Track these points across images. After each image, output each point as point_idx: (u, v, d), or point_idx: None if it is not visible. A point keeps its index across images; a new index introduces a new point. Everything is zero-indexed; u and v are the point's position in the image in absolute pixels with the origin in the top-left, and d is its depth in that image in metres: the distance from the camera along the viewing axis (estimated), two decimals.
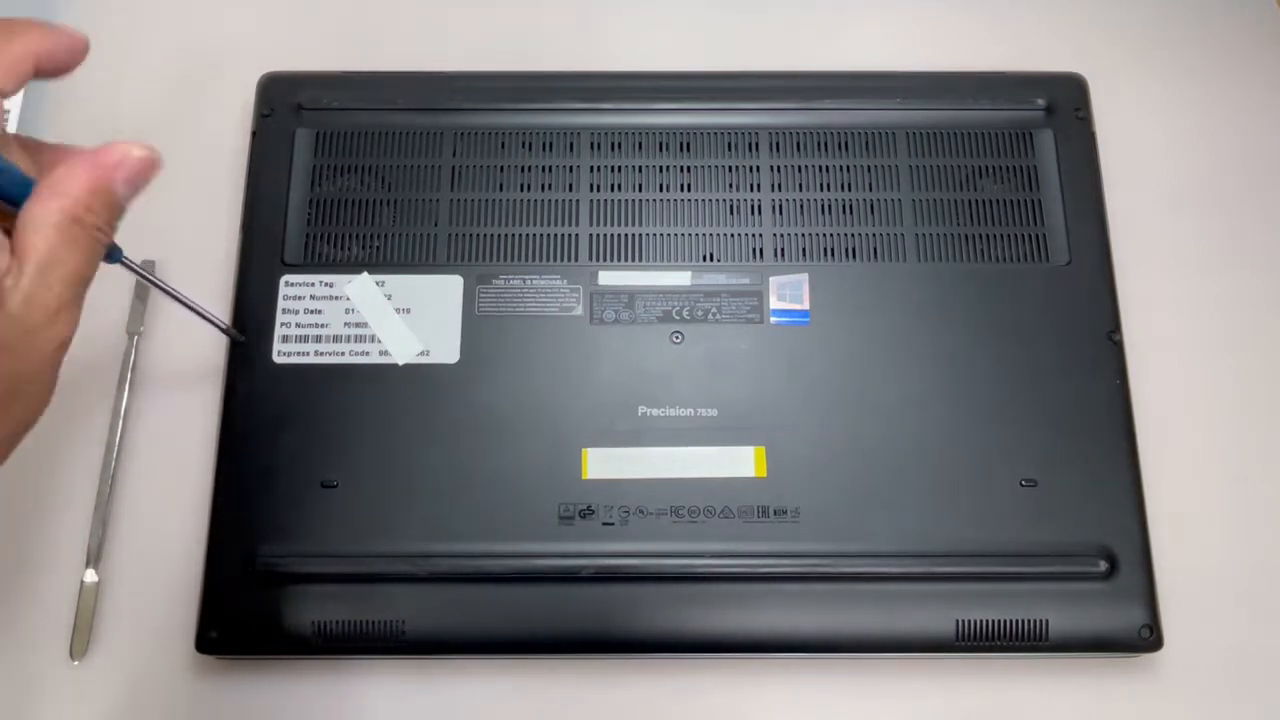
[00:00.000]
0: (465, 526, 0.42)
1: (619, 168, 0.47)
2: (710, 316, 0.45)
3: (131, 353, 0.46)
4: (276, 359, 0.44)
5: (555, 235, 0.46)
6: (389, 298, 0.45)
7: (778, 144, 0.47)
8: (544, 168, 0.47)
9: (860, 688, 0.42)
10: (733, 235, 0.46)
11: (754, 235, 0.46)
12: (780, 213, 0.46)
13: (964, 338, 0.44)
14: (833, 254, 0.46)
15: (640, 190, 0.47)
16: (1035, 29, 0.53)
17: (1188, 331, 0.47)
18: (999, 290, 0.45)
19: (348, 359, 0.44)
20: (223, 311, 0.45)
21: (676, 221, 0.46)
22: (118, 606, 0.43)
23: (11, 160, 0.31)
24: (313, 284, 0.45)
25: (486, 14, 0.53)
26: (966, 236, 0.46)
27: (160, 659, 0.42)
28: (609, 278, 0.45)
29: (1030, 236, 0.46)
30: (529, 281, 0.45)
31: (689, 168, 0.47)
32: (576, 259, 0.46)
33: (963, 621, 0.41)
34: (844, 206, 0.47)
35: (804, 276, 0.45)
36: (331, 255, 0.46)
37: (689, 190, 0.47)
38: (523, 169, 0.47)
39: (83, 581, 0.43)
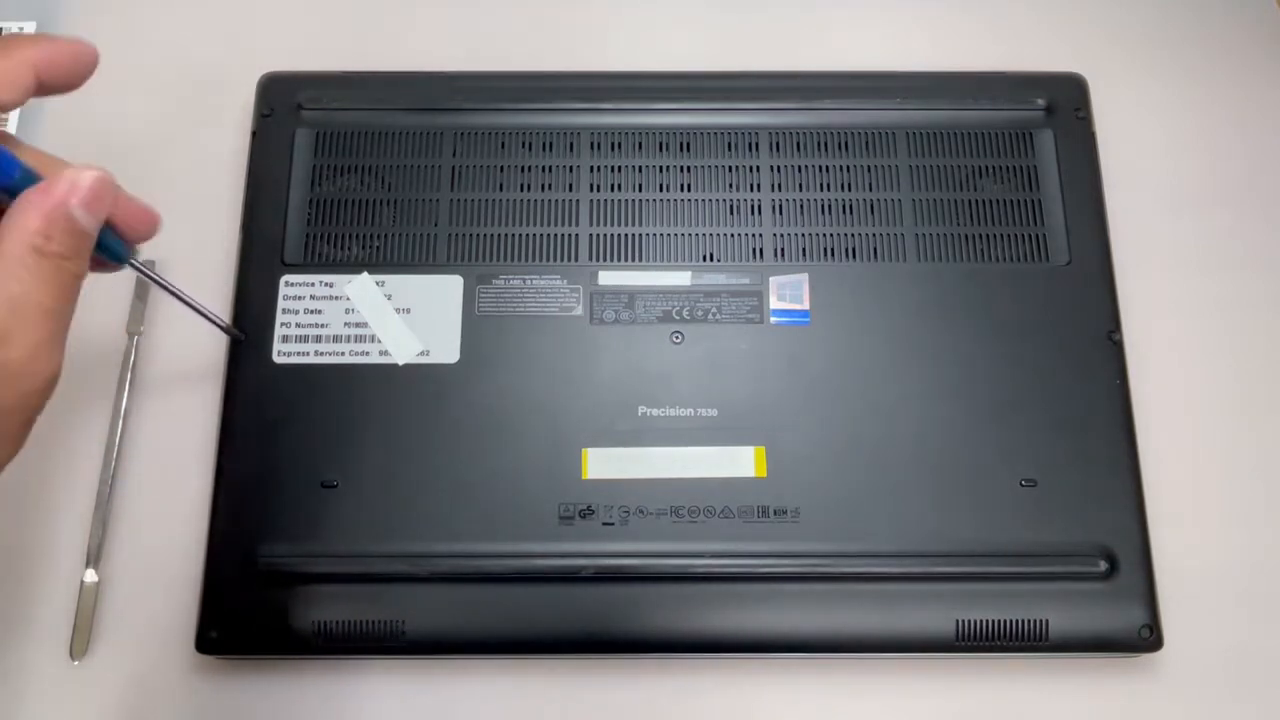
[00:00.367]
0: (465, 526, 0.42)
1: (619, 168, 0.47)
2: (710, 316, 0.45)
3: (131, 353, 0.46)
4: (276, 359, 0.44)
5: (555, 235, 0.46)
6: (389, 298, 0.45)
7: (778, 144, 0.47)
8: (544, 168, 0.47)
9: (860, 688, 0.42)
10: (733, 235, 0.46)
11: (754, 235, 0.46)
12: (780, 213, 0.46)
13: (964, 338, 0.44)
14: (833, 254, 0.46)
15: (640, 190, 0.47)
16: (1035, 29, 0.53)
17: (1188, 331, 0.47)
18: (999, 290, 0.45)
19: (348, 359, 0.44)
20: (223, 311, 0.45)
21: (676, 221, 0.46)
22: (118, 606, 0.43)
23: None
24: (313, 284, 0.45)
25: (486, 14, 0.53)
26: (966, 236, 0.46)
27: (160, 659, 0.42)
28: (609, 278, 0.45)
29: (1030, 236, 0.46)
30: (529, 281, 0.45)
31: (689, 168, 0.47)
32: (576, 259, 0.46)
33: (963, 621, 0.41)
34: (844, 206, 0.47)
35: (804, 276, 0.45)
36: (331, 255, 0.46)
37: (689, 190, 0.47)
38: (523, 169, 0.47)
39: (83, 581, 0.43)
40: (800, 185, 0.47)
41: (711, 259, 0.46)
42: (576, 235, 0.46)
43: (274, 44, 0.52)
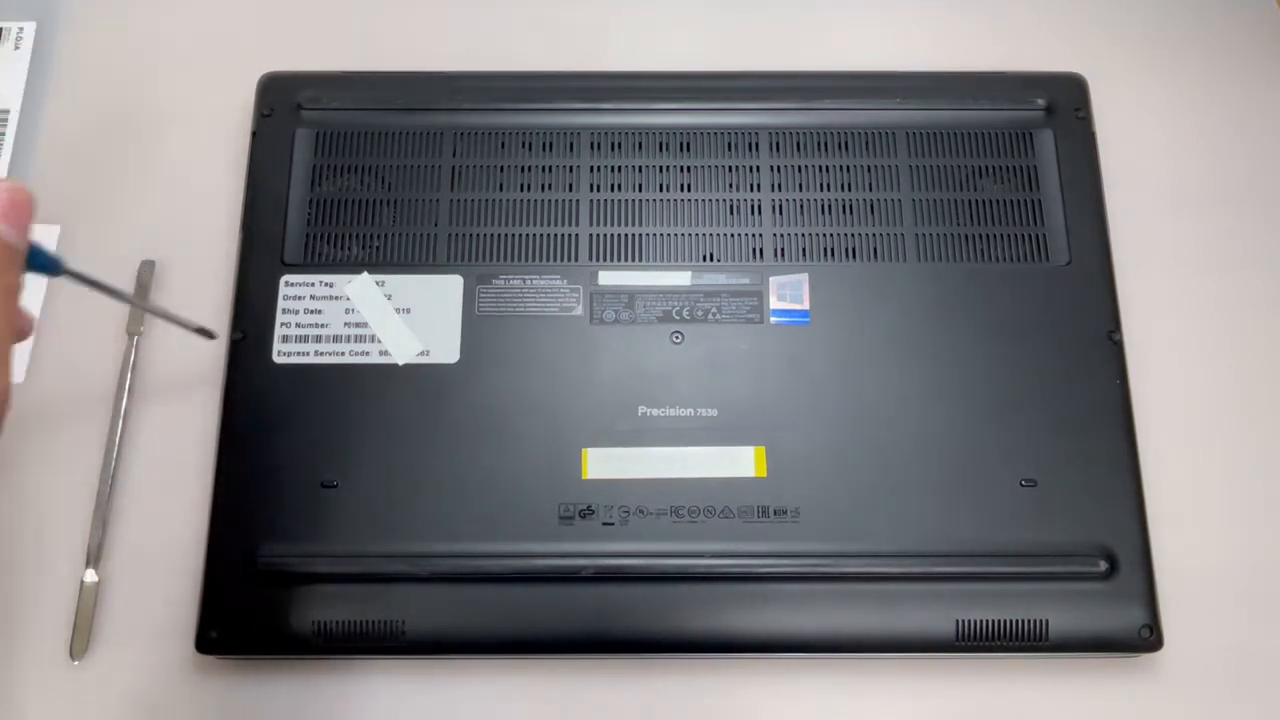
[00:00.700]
0: (465, 526, 0.42)
1: (619, 168, 0.47)
2: (710, 316, 0.45)
3: (131, 353, 0.46)
4: (276, 359, 0.44)
5: (555, 235, 0.46)
6: (389, 298, 0.45)
7: (778, 144, 0.47)
8: (544, 168, 0.47)
9: (860, 688, 0.42)
10: (733, 235, 0.46)
11: (754, 235, 0.46)
12: (780, 213, 0.46)
13: (964, 338, 0.44)
14: (833, 254, 0.46)
15: (640, 190, 0.47)
16: (1035, 29, 0.53)
17: (1188, 331, 0.47)
18: (999, 290, 0.45)
19: (348, 359, 0.44)
20: (223, 311, 0.45)
21: (676, 221, 0.46)
22: (118, 606, 0.43)
23: None
24: (313, 284, 0.45)
25: (486, 14, 0.53)
26: (966, 236, 0.46)
27: (160, 659, 0.42)
28: (609, 278, 0.45)
29: (1030, 236, 0.46)
30: (529, 281, 0.45)
31: (689, 168, 0.47)
32: (576, 259, 0.46)
33: (963, 621, 0.41)
34: (844, 206, 0.47)
35: (804, 276, 0.45)
36: (331, 255, 0.46)
37: (689, 190, 0.47)
38: (523, 169, 0.47)
39: (83, 581, 0.43)
40: (800, 185, 0.47)
41: (711, 259, 0.46)
42: (576, 235, 0.46)
43: (274, 44, 0.52)
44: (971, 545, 0.42)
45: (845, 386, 0.44)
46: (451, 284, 0.45)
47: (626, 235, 0.46)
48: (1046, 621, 0.41)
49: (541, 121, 0.48)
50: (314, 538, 0.42)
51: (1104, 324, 0.45)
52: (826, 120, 0.48)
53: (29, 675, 0.42)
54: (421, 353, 0.44)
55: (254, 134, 0.47)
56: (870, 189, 0.47)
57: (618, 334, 0.44)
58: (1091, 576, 0.41)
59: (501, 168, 0.47)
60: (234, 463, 0.42)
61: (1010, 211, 0.46)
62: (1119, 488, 0.43)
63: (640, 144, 0.47)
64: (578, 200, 0.46)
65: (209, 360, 0.46)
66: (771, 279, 0.45)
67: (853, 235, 0.46)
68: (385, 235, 0.46)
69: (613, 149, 0.47)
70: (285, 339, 0.44)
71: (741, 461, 0.43)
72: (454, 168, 0.47)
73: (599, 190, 0.47)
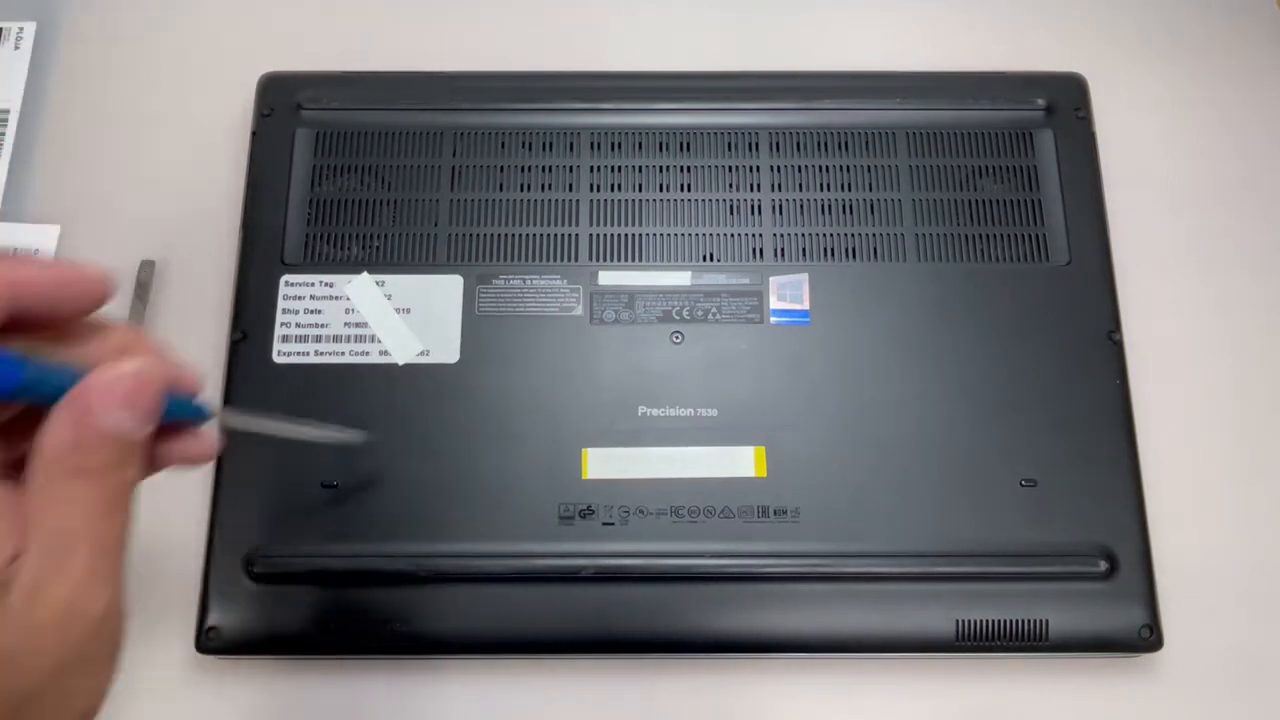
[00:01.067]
0: (465, 526, 0.42)
1: (619, 168, 0.47)
2: (710, 316, 0.45)
3: None
4: (276, 359, 0.44)
5: (555, 235, 0.46)
6: (389, 298, 0.45)
7: (778, 144, 0.47)
8: (544, 168, 0.47)
9: (860, 688, 0.42)
10: (733, 235, 0.46)
11: (754, 235, 0.46)
12: (780, 213, 0.46)
13: (964, 338, 0.44)
14: (833, 254, 0.46)
15: (640, 190, 0.47)
16: (1035, 29, 0.53)
17: (1188, 331, 0.47)
18: (999, 290, 0.45)
19: (348, 359, 0.44)
20: (223, 311, 0.45)
21: (676, 221, 0.46)
22: None
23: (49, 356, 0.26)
24: (313, 284, 0.45)
25: (486, 14, 0.53)
26: (966, 236, 0.46)
27: (160, 659, 0.42)
28: (609, 278, 0.45)
29: (1030, 236, 0.46)
30: (529, 281, 0.45)
31: (689, 168, 0.47)
32: (576, 259, 0.46)
33: (963, 621, 0.41)
34: (844, 206, 0.47)
35: (804, 276, 0.45)
36: (331, 255, 0.46)
37: (689, 190, 0.47)
38: (523, 169, 0.47)
39: None
40: (800, 185, 0.47)
41: (711, 259, 0.46)
42: (576, 235, 0.46)
43: (274, 44, 0.52)
44: (971, 545, 0.42)
45: (845, 386, 0.44)
46: (451, 284, 0.45)
47: (626, 235, 0.46)
48: (1046, 621, 0.41)
49: (541, 121, 0.48)
50: (314, 538, 0.42)
51: (1104, 324, 0.45)
52: (826, 120, 0.48)
53: None
54: (421, 353, 0.44)
55: (254, 134, 0.47)
56: (870, 189, 0.47)
57: (618, 334, 0.44)
58: (1091, 576, 0.41)
59: (501, 168, 0.47)
60: (234, 463, 0.42)
61: (1010, 211, 0.46)
62: (1119, 488, 0.43)
63: (640, 144, 0.47)
64: (578, 200, 0.46)
65: (209, 360, 0.46)
66: (771, 279, 0.45)
67: (853, 235, 0.46)
68: (385, 235, 0.46)
69: (613, 149, 0.47)
70: (285, 339, 0.44)
71: (741, 461, 0.43)
72: (454, 168, 0.47)
73: (599, 190, 0.47)
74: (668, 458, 0.43)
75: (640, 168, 0.47)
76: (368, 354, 0.44)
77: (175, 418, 0.28)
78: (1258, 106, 0.51)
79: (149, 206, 0.49)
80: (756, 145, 0.47)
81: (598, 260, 0.46)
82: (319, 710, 0.42)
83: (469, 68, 0.49)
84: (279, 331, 0.44)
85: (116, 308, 0.47)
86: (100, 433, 0.25)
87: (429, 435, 0.43)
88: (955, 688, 0.42)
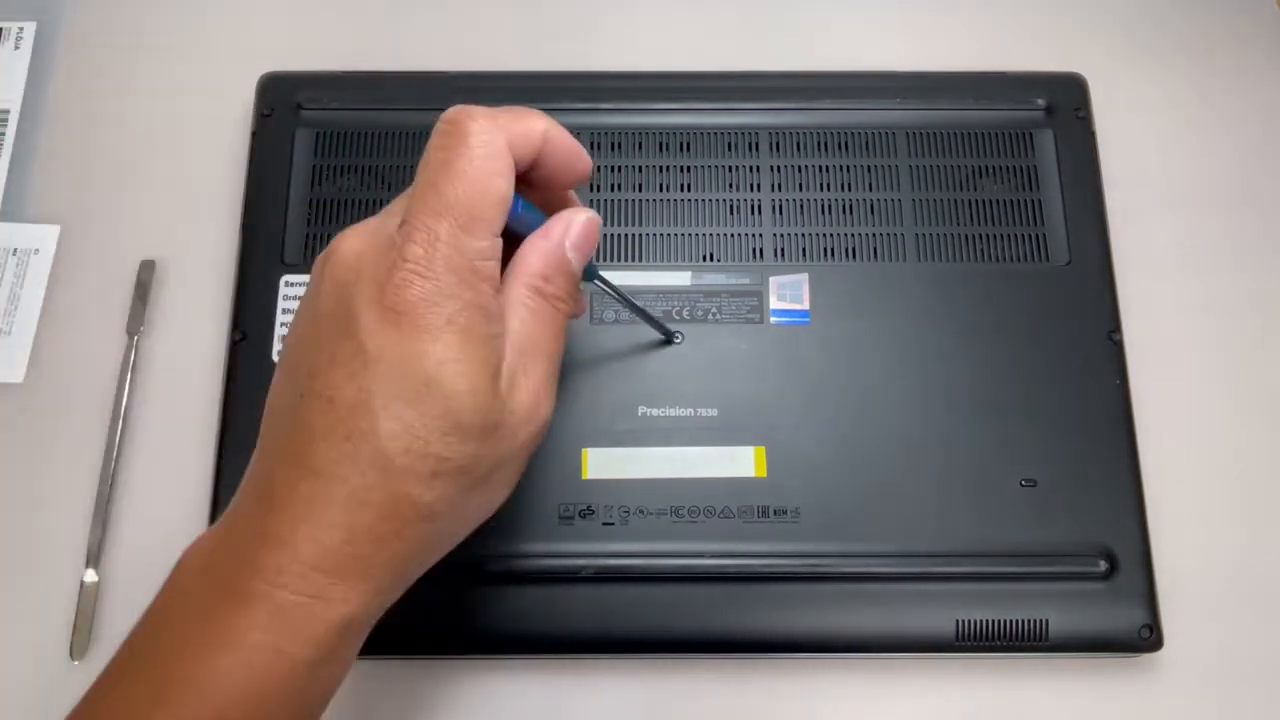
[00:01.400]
0: None
1: (618, 167, 0.47)
2: (710, 316, 0.45)
3: (131, 353, 0.46)
4: (276, 359, 0.44)
5: None
6: None
7: (778, 144, 0.47)
8: None
9: (860, 688, 0.42)
10: (733, 235, 0.46)
11: (754, 235, 0.46)
12: (780, 213, 0.46)
13: (964, 338, 0.44)
14: (833, 254, 0.46)
15: (640, 190, 0.47)
16: (1035, 29, 0.53)
17: (1188, 331, 0.47)
18: (999, 290, 0.45)
19: None
20: (223, 311, 0.45)
21: (676, 221, 0.46)
22: (118, 606, 0.43)
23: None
24: None
25: (486, 14, 0.53)
26: (966, 236, 0.46)
27: None
28: (609, 278, 0.45)
29: (1030, 236, 0.46)
30: None
31: (689, 168, 0.47)
32: None
33: (963, 621, 0.41)
34: (844, 206, 0.47)
35: (804, 276, 0.45)
36: None
37: (689, 190, 0.47)
38: None
39: (83, 581, 0.43)
40: (800, 185, 0.47)
41: (711, 259, 0.46)
42: None
43: (274, 44, 0.52)
44: (971, 545, 0.42)
45: (845, 386, 0.44)
46: None
47: (626, 235, 0.46)
48: (1046, 621, 0.41)
49: None
50: None
51: (1104, 324, 0.45)
52: (826, 120, 0.48)
53: (29, 675, 0.42)
54: None
55: (254, 134, 0.47)
56: (870, 189, 0.47)
57: (618, 334, 0.44)
58: (1091, 576, 0.41)
59: None
60: (234, 463, 0.42)
61: (1010, 211, 0.46)
62: (1119, 488, 0.43)
63: (640, 144, 0.47)
64: None
65: (209, 360, 0.46)
66: (771, 279, 0.45)
67: (853, 235, 0.46)
68: None
69: (612, 149, 0.47)
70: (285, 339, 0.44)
71: (741, 461, 0.43)
72: None
73: (599, 190, 0.47)
74: (668, 458, 0.43)
75: (640, 168, 0.47)
76: None
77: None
78: (1258, 107, 0.51)
79: (149, 206, 0.49)
80: (756, 145, 0.47)
81: (597, 260, 0.46)
82: None
83: (469, 68, 0.49)
84: (279, 331, 0.44)
85: (116, 308, 0.47)
86: (561, 264, 0.33)
87: None
88: (955, 688, 0.42)
